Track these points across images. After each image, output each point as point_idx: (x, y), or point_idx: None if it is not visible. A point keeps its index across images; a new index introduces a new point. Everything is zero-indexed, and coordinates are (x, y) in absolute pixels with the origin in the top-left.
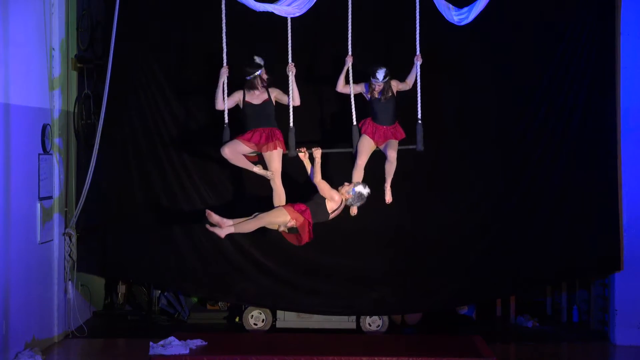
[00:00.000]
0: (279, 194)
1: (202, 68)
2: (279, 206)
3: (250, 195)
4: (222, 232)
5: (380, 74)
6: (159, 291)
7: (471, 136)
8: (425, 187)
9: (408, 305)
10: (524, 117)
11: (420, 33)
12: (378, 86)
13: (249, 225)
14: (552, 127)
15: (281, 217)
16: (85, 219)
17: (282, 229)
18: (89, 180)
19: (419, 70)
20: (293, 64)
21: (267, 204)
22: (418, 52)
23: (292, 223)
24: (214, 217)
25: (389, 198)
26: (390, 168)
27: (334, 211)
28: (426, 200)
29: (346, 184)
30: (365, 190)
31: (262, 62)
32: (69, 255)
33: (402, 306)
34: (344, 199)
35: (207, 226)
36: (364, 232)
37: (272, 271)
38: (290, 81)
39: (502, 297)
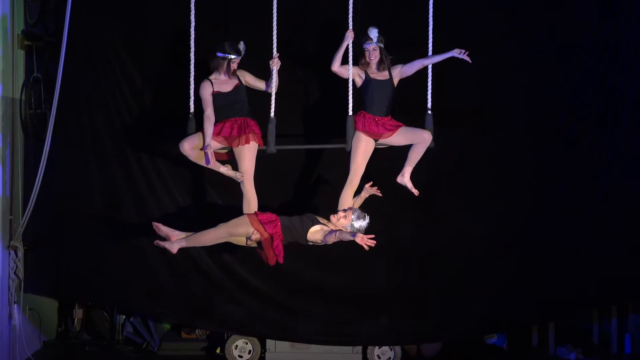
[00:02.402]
0: (249, 200)
1: (178, 49)
2: (243, 215)
3: (233, 200)
4: (172, 247)
5: (373, 32)
6: (124, 316)
7: (498, 133)
8: (445, 193)
9: (425, 333)
10: (561, 111)
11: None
12: (374, 51)
13: (205, 236)
14: (595, 123)
15: (242, 228)
16: (34, 229)
17: (249, 243)
18: (39, 182)
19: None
20: (278, 54)
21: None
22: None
23: (256, 236)
24: (163, 229)
25: (415, 189)
26: (420, 151)
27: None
28: (446, 208)
29: (341, 214)
30: (365, 222)
31: (243, 51)
32: (15, 272)
33: (417, 334)
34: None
35: (157, 241)
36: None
37: (260, 292)
38: (272, 74)
39: (538, 323)
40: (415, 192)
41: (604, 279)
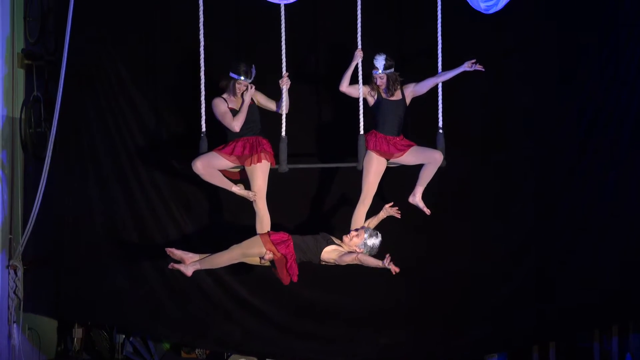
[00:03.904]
0: (262, 219)
1: (178, 67)
2: (256, 235)
3: (236, 221)
4: (187, 270)
5: (380, 61)
6: (123, 336)
7: (502, 149)
8: (447, 209)
9: (424, 352)
10: (565, 122)
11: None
12: (380, 79)
13: (219, 259)
14: (598, 140)
15: (255, 248)
16: (34, 248)
17: (263, 262)
18: (39, 202)
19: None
20: (287, 74)
21: (254, 232)
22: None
23: (269, 256)
24: (176, 253)
25: (425, 208)
26: (431, 171)
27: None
28: (447, 225)
29: (353, 233)
30: (377, 241)
31: (253, 77)
32: (14, 292)
33: (417, 353)
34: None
35: (172, 264)
36: None
37: (260, 311)
38: (283, 94)
39: (539, 342)
40: (427, 211)
41: (606, 298)
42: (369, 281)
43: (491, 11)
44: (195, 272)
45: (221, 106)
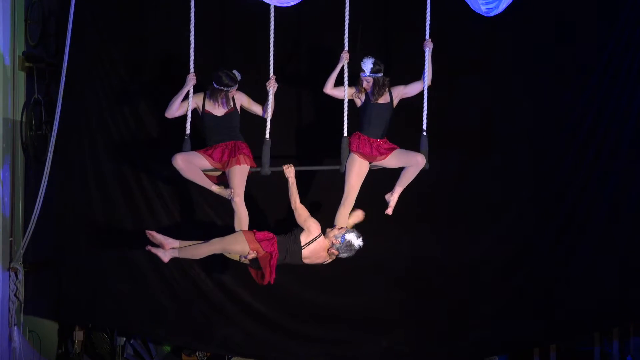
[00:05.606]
0: (240, 217)
1: (178, 72)
2: (239, 231)
3: (231, 218)
4: (165, 255)
5: (367, 64)
6: (124, 338)
7: (499, 153)
8: (445, 213)
9: (425, 355)
10: (565, 127)
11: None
12: (366, 82)
13: (199, 250)
14: (601, 137)
15: (238, 245)
16: (34, 250)
17: (243, 260)
18: (40, 204)
19: (429, 62)
20: (274, 77)
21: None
22: (427, 37)
23: (252, 254)
24: (157, 237)
25: (391, 208)
26: (412, 174)
27: (307, 245)
28: (446, 229)
29: (337, 226)
30: (357, 242)
31: (239, 79)
32: (15, 294)
33: (417, 356)
34: (328, 244)
35: (149, 247)
36: (371, 266)
37: (261, 314)
38: (269, 96)
39: (539, 345)
40: (389, 212)
41: (607, 300)
42: (370, 284)
43: (492, 14)
44: (196, 275)
45: (193, 96)
